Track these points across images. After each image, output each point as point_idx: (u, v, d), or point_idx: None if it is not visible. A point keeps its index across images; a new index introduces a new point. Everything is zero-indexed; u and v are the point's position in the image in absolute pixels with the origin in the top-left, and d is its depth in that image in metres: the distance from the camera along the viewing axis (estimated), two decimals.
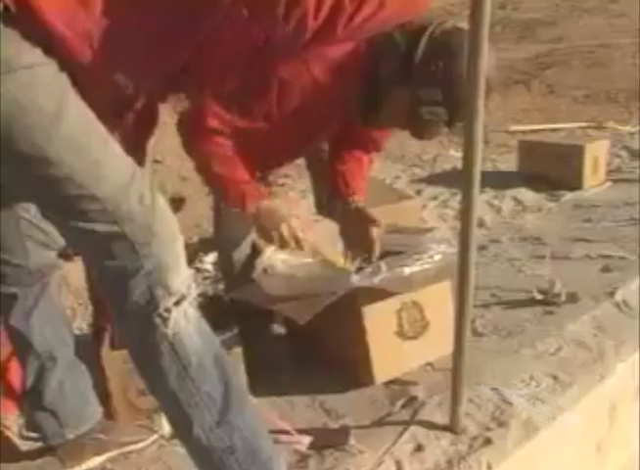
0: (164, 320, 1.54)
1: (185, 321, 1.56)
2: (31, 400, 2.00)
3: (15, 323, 1.94)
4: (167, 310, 1.54)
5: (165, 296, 1.54)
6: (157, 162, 4.74)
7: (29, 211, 1.87)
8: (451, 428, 2.07)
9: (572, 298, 2.81)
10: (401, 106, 2.19)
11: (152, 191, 1.56)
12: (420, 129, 2.30)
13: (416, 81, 2.14)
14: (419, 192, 4.84)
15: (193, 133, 2.23)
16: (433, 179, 5.17)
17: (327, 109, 2.25)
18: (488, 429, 2.09)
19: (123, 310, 1.55)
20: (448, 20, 2.24)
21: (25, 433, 2.17)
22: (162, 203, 1.58)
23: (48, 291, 1.99)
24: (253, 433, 1.65)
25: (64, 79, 1.47)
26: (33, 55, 1.42)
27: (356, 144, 2.55)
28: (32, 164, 1.45)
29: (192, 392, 1.57)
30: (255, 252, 2.42)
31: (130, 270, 1.52)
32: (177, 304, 1.55)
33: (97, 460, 2.01)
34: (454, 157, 5.69)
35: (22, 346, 1.96)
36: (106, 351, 2.23)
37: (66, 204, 1.48)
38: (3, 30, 1.39)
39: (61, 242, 1.94)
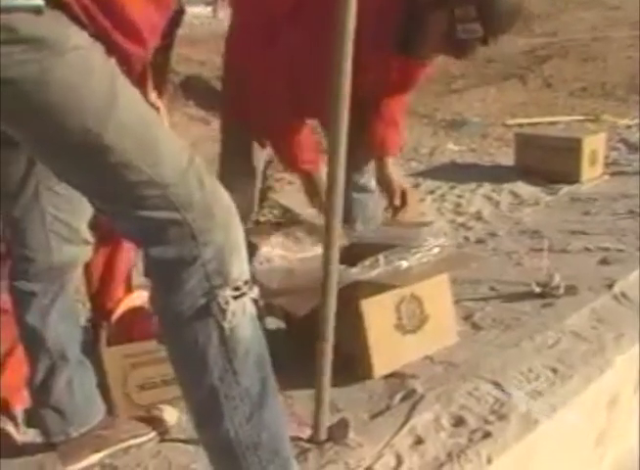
0: (223, 311, 1.50)
1: (242, 315, 1.52)
2: (38, 398, 1.98)
3: (31, 320, 1.92)
4: (226, 302, 1.50)
5: (224, 285, 1.49)
6: None
7: (55, 206, 1.86)
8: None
9: (571, 290, 2.81)
10: (438, 27, 2.37)
11: (210, 176, 1.52)
12: (456, 49, 2.47)
13: (451, 1, 2.30)
14: (416, 185, 4.84)
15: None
16: (430, 173, 5.17)
17: (369, 35, 2.32)
18: (488, 422, 2.09)
19: (173, 300, 1.50)
20: None
21: (25, 430, 2.17)
22: (222, 189, 1.53)
23: (67, 288, 1.97)
24: (279, 432, 1.63)
25: (112, 62, 1.44)
26: (81, 37, 1.38)
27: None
28: (89, 153, 1.40)
29: (232, 384, 1.53)
30: (253, 247, 2.42)
31: (187, 258, 1.47)
32: (237, 298, 1.51)
33: (97, 456, 2.00)
34: (451, 150, 5.69)
35: (34, 343, 1.94)
36: (104, 346, 2.23)
37: (122, 191, 1.44)
38: (48, 13, 1.34)
39: (84, 236, 1.94)
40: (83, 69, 1.38)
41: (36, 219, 1.86)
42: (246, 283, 1.54)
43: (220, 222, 1.50)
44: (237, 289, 1.51)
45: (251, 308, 1.55)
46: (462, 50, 2.47)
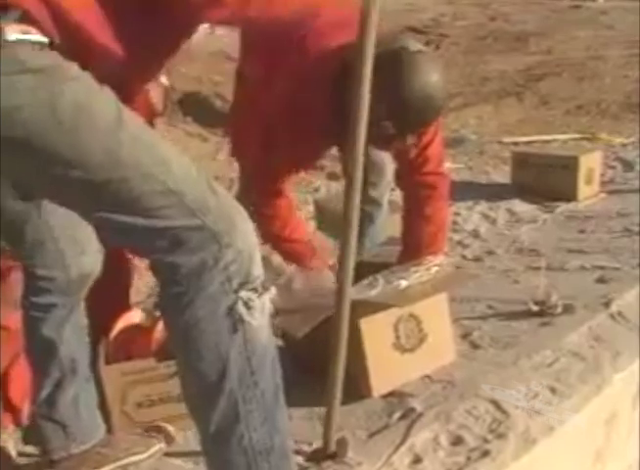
0: (249, 308, 1.52)
1: (262, 314, 1.55)
2: (43, 411, 1.97)
3: (47, 332, 1.92)
4: (251, 299, 1.52)
5: (246, 284, 1.52)
6: None
7: (60, 223, 1.86)
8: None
9: (568, 309, 2.81)
10: None
11: (218, 184, 1.56)
12: (377, 142, 2.45)
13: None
14: None
15: (260, 196, 2.70)
16: None
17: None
18: (486, 441, 2.09)
19: (193, 306, 1.51)
20: (403, 39, 2.46)
21: (22, 447, 2.17)
22: (231, 195, 1.58)
23: (81, 301, 1.99)
24: (288, 437, 1.65)
25: (107, 87, 1.48)
26: (77, 68, 1.45)
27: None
28: (105, 170, 1.44)
29: (249, 386, 1.54)
30: None
31: (209, 262, 1.49)
32: (260, 295, 1.54)
33: None
34: (448, 168, 5.69)
35: (47, 355, 1.94)
36: (102, 364, 2.22)
37: (140, 204, 1.46)
38: (51, 52, 1.43)
39: (95, 244, 1.94)
40: (88, 91, 1.44)
41: (47, 240, 1.87)
42: (262, 284, 1.56)
43: (238, 225, 1.53)
44: (256, 289, 1.54)
45: (269, 308, 1.58)
46: (380, 144, 2.51)
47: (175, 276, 1.51)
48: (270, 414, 1.58)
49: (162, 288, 1.55)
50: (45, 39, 1.41)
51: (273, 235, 2.71)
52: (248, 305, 1.52)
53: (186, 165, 1.53)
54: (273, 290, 1.58)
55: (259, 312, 1.54)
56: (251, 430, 1.56)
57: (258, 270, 1.55)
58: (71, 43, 1.46)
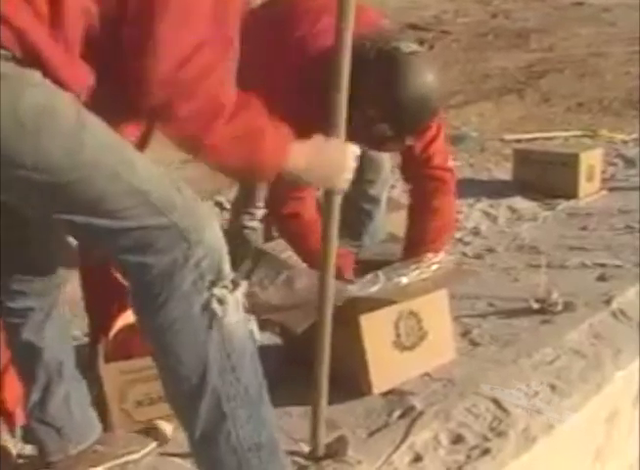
0: (223, 304, 1.53)
1: (236, 310, 1.55)
2: (35, 416, 1.96)
3: (27, 335, 1.90)
4: (224, 295, 1.53)
5: (218, 281, 1.53)
6: None
7: (35, 228, 1.85)
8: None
9: (569, 306, 2.80)
10: (355, 123, 2.16)
11: (184, 184, 1.56)
12: (374, 144, 2.49)
13: (360, 101, 2.13)
14: None
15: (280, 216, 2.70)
16: None
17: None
18: (486, 439, 2.09)
19: (168, 307, 1.51)
20: (396, 40, 2.42)
21: (21, 447, 2.16)
22: (195, 194, 1.58)
23: (60, 300, 1.96)
24: (275, 432, 1.65)
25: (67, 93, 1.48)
26: (39, 75, 1.44)
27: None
28: (71, 172, 1.44)
29: (232, 383, 1.55)
30: (259, 254, 2.45)
31: (180, 260, 1.49)
32: (232, 291, 1.55)
33: None
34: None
35: (30, 359, 1.92)
36: (102, 362, 2.22)
37: (105, 205, 1.47)
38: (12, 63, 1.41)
39: (70, 244, 1.92)
40: (50, 95, 1.43)
41: (18, 244, 1.83)
42: (233, 280, 1.56)
43: (206, 222, 1.54)
44: (227, 286, 1.54)
45: (243, 304, 1.59)
46: (379, 146, 2.53)
47: (146, 277, 1.51)
48: (255, 410, 1.59)
49: (134, 290, 1.56)
50: (8, 53, 1.40)
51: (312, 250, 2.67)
52: (222, 302, 1.53)
53: (150, 165, 1.53)
54: (244, 285, 1.59)
55: (234, 308, 1.55)
56: (238, 427, 1.57)
57: (228, 267, 1.56)
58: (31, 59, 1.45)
